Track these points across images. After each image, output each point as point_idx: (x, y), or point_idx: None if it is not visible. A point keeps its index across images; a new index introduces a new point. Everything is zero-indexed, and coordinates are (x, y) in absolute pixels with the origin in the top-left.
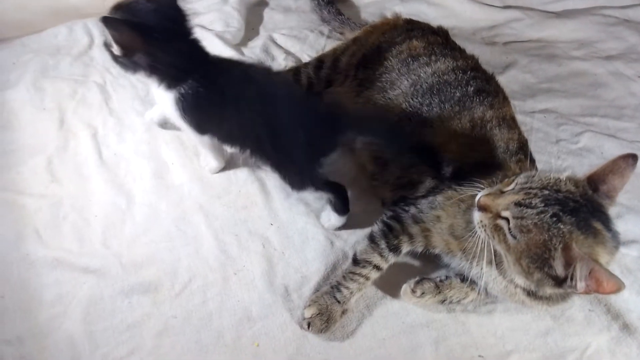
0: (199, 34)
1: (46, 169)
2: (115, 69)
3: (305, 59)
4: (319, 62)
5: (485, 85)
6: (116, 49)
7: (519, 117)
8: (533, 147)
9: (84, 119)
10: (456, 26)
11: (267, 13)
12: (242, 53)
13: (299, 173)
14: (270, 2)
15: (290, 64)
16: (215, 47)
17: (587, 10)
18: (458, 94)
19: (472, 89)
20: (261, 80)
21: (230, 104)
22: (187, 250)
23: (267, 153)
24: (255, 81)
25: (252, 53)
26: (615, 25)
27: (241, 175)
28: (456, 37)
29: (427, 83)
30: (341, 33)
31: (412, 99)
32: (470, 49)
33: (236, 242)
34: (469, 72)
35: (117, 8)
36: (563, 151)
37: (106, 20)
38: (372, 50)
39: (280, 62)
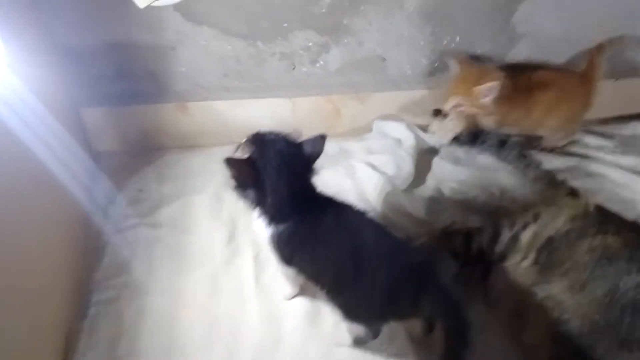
0: (367, 173)
1: (210, 280)
2: None
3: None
4: (496, 234)
5: None
6: (232, 182)
7: None
8: None
9: (251, 238)
10: None
11: (436, 161)
12: (407, 200)
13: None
14: (441, 150)
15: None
16: (383, 189)
17: None
18: None
19: None
20: (355, 223)
21: (321, 245)
22: None
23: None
24: (349, 224)
25: (416, 202)
26: None
27: (386, 333)
28: None
29: (627, 297)
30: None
31: (607, 311)
32: None
33: None
34: None
35: (252, 139)
36: None
37: (227, 161)
38: (559, 236)
39: (444, 220)
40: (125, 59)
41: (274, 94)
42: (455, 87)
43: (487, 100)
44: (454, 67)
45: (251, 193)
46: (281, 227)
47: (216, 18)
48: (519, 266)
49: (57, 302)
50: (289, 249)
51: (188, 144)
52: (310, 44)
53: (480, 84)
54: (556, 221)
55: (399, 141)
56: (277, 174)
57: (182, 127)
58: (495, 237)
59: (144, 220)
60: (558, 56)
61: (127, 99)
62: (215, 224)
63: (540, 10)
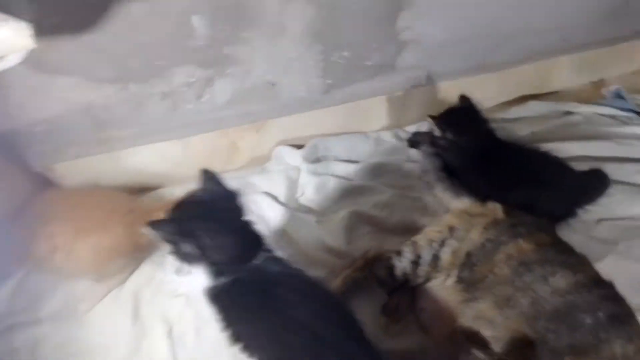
0: (271, 205)
1: None
2: None
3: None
4: (416, 255)
5: (617, 309)
6: (167, 247)
7: None
8: None
9: (159, 311)
10: None
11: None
12: (325, 231)
13: None
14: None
15: None
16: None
17: None
18: (589, 321)
19: (602, 314)
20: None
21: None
22: None
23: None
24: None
25: (335, 233)
26: None
27: None
28: None
29: (549, 304)
30: None
31: (534, 322)
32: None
33: None
34: (594, 290)
35: (175, 208)
36: None
37: (151, 226)
38: (476, 249)
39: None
40: None
41: (162, 137)
42: None
43: None
44: None
45: (188, 246)
46: (222, 279)
47: (74, 65)
48: (444, 286)
49: None
50: (222, 304)
51: None
52: (193, 79)
53: None
54: (471, 233)
55: (295, 167)
56: (211, 217)
57: None
58: (417, 259)
59: (21, 317)
60: (441, 60)
61: None
62: (114, 303)
63: (420, 18)
